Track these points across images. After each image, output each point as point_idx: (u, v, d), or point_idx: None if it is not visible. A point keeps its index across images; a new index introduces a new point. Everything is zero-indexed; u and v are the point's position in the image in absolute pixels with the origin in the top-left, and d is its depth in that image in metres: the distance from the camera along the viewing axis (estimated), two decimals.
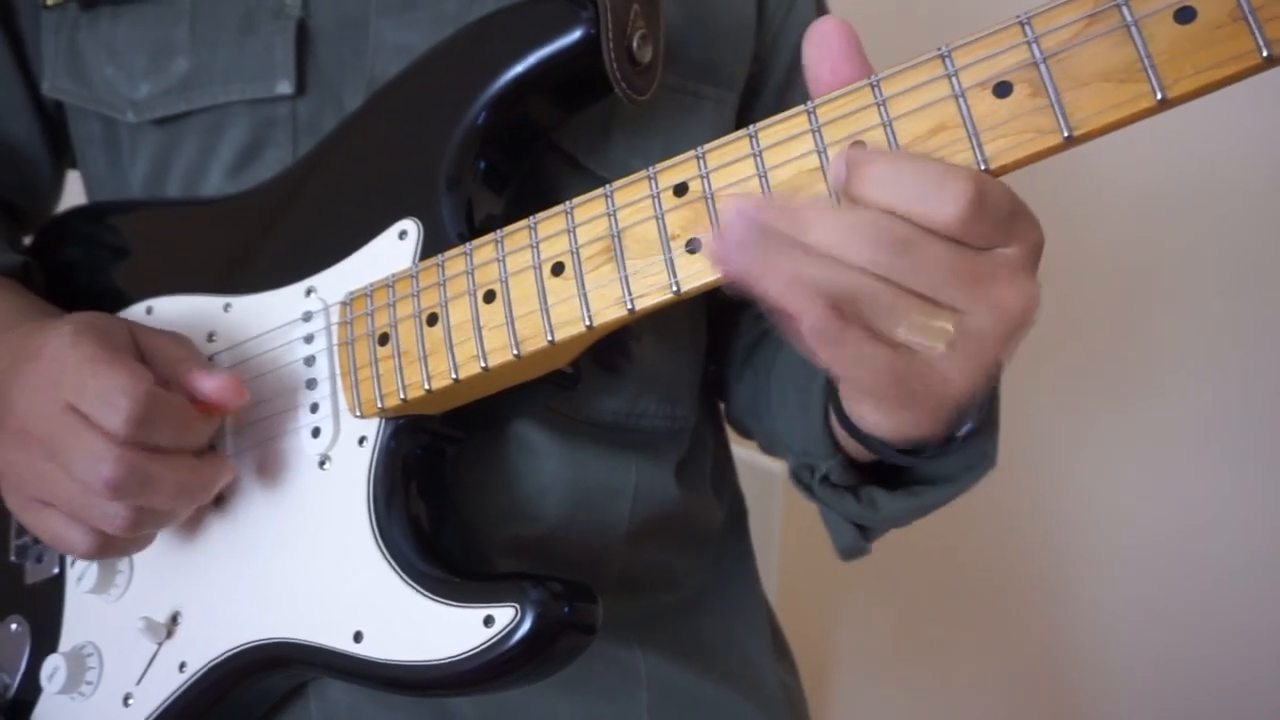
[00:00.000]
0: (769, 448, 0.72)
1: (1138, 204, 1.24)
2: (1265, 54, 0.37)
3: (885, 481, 0.58)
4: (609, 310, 0.47)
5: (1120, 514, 1.28)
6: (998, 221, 0.38)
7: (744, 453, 0.90)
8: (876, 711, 1.45)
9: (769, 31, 0.69)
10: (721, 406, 0.79)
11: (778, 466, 1.13)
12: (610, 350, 0.64)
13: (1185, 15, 0.38)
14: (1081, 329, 1.26)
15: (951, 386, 0.40)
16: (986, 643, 1.38)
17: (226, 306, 0.61)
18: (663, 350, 0.68)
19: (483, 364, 0.50)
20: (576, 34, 0.53)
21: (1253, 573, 1.21)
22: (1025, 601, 1.35)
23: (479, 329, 0.50)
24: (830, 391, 0.54)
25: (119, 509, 0.50)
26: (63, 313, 0.61)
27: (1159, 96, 0.38)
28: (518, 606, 0.47)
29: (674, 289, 0.46)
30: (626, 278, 0.47)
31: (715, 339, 0.75)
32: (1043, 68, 0.40)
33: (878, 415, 0.44)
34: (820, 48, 0.43)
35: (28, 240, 0.74)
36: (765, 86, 0.69)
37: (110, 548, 0.54)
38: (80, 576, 0.60)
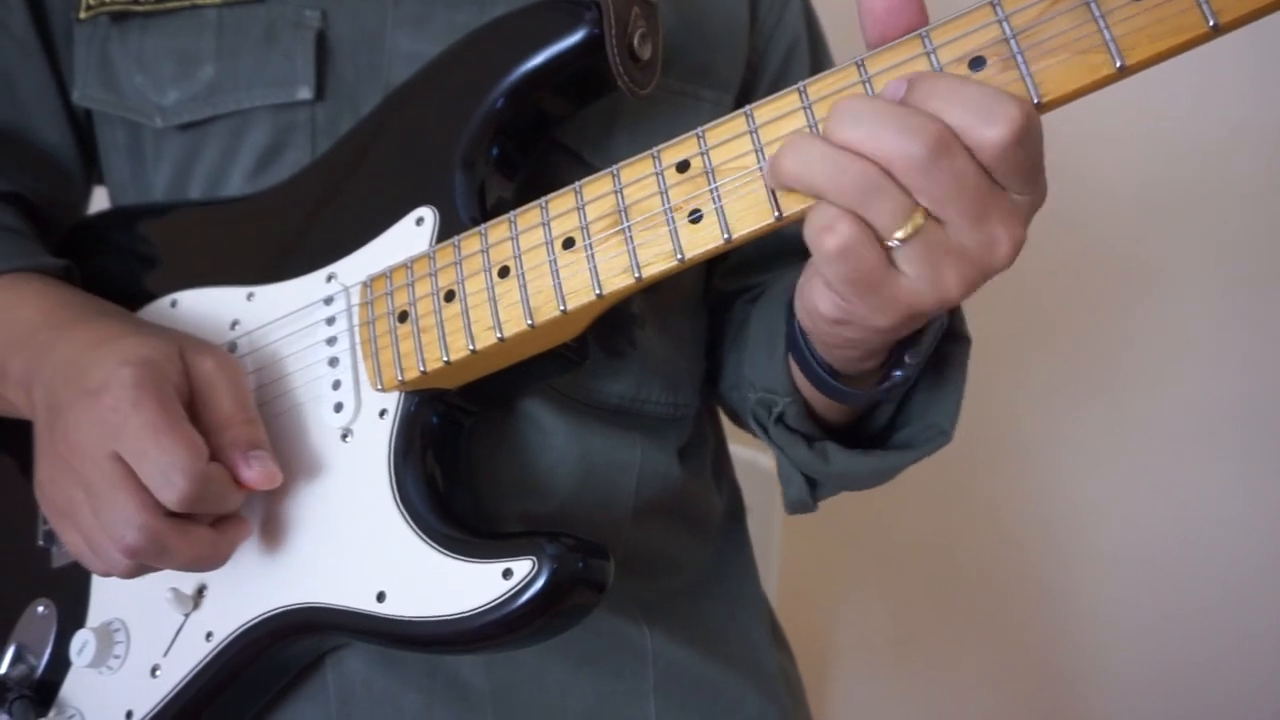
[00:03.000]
0: (745, 408, 0.72)
1: (1136, 203, 1.26)
2: (1212, 23, 0.41)
3: (842, 442, 0.61)
4: (617, 279, 0.51)
5: (1119, 513, 1.30)
6: (1027, 161, 0.41)
7: (744, 452, 0.92)
8: (875, 709, 1.45)
9: (761, 37, 0.74)
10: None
11: None
12: (616, 336, 0.67)
13: None
14: (1081, 329, 1.29)
15: (905, 286, 0.43)
16: (985, 641, 1.39)
17: (250, 296, 0.64)
18: (665, 340, 0.71)
19: (498, 335, 0.53)
20: (582, 33, 0.57)
21: (1252, 572, 1.23)
22: (1024, 599, 1.36)
23: (494, 301, 0.54)
24: (790, 338, 0.57)
25: (126, 562, 0.53)
26: (116, 308, 0.64)
27: (1118, 64, 0.42)
28: (535, 559, 0.50)
29: (678, 257, 0.49)
30: (634, 248, 0.50)
31: (711, 330, 0.78)
32: (1012, 43, 0.44)
33: (829, 299, 0.46)
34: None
35: None
36: (756, 89, 0.73)
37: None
38: None
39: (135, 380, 0.53)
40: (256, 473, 0.55)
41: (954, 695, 1.40)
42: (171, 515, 0.53)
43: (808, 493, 0.65)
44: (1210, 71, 1.17)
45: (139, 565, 0.54)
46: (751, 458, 1.05)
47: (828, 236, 0.43)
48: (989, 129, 0.40)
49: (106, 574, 0.56)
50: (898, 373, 0.54)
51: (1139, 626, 1.29)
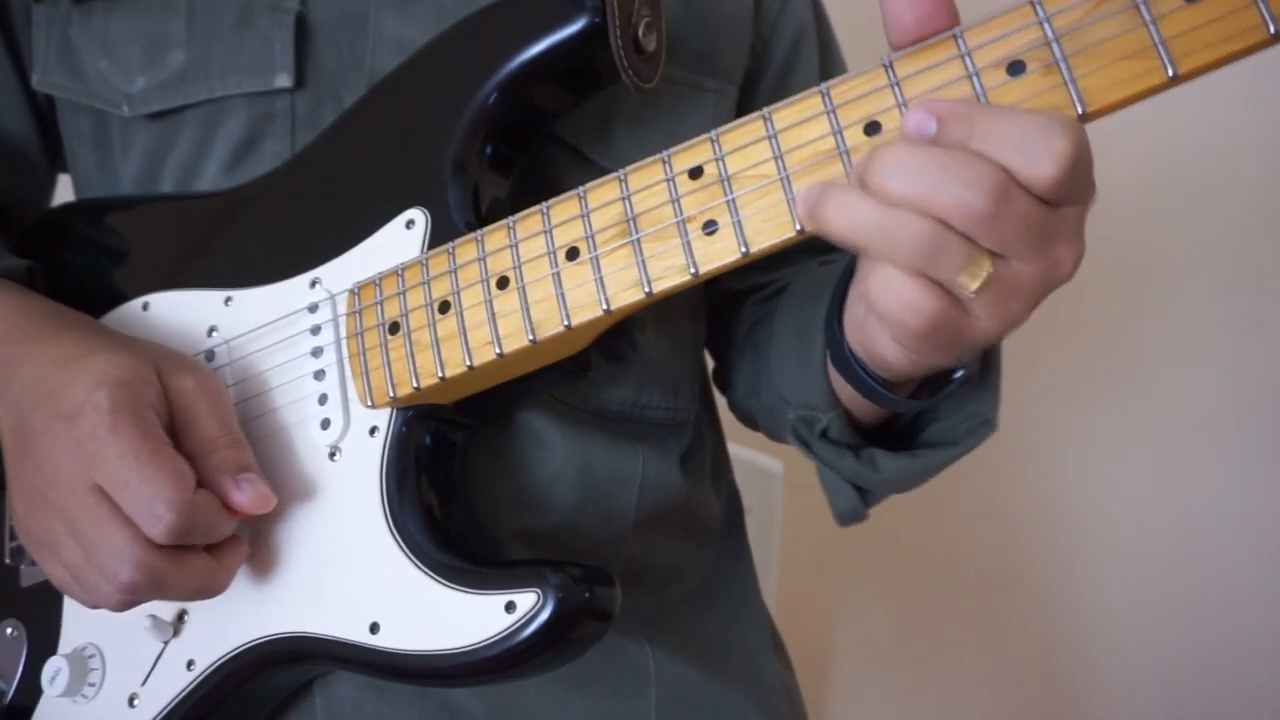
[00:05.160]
0: (770, 419, 0.71)
1: (1136, 203, 1.25)
2: (1272, 29, 0.38)
3: (886, 444, 0.59)
4: (626, 294, 0.47)
5: (1121, 513, 1.30)
6: (1079, 181, 0.39)
7: (744, 452, 0.90)
8: (875, 711, 1.45)
9: (765, 24, 0.70)
10: (721, 401, 0.79)
11: (778, 466, 1.14)
12: (617, 341, 0.64)
13: None
14: (1084, 328, 1.28)
15: (978, 328, 0.41)
16: (987, 643, 1.39)
17: (227, 300, 0.60)
18: (665, 343, 0.68)
19: (498, 350, 0.50)
20: (583, 22, 0.53)
21: (1252, 572, 1.23)
22: (1025, 601, 1.36)
23: (493, 315, 0.50)
24: (828, 343, 0.55)
25: (120, 598, 0.50)
26: (84, 318, 0.60)
27: (1170, 73, 0.39)
28: (539, 592, 0.47)
29: (692, 271, 0.46)
30: (643, 261, 0.47)
31: (717, 329, 0.75)
32: (1055, 46, 0.41)
33: (898, 352, 0.44)
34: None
35: None
36: (762, 78, 0.70)
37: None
38: None
39: (111, 404, 0.49)
40: (248, 497, 0.52)
41: (954, 695, 1.40)
42: (165, 547, 0.49)
43: (859, 501, 0.63)
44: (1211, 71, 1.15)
45: (133, 600, 0.51)
46: (751, 458, 1.03)
47: (892, 301, 0.40)
48: (1040, 168, 0.37)
49: (95, 607, 0.52)
50: (960, 373, 0.52)
51: (1139, 626, 1.29)
